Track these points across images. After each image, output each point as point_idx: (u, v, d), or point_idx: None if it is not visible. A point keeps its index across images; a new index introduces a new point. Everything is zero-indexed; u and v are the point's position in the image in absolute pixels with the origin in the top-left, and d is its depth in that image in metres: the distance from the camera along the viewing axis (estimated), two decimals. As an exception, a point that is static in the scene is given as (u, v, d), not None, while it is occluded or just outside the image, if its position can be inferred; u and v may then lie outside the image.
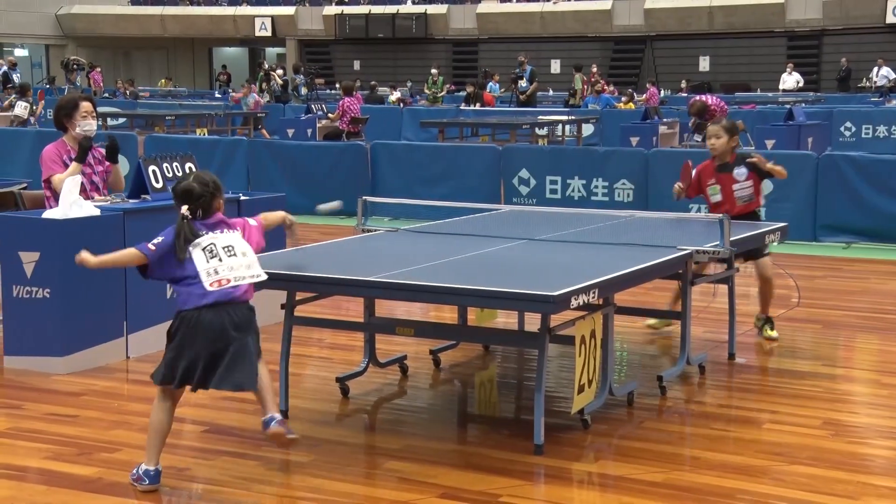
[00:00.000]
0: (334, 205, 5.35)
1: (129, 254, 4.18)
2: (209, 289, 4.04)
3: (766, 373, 5.86)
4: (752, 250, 6.24)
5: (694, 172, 6.44)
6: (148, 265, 4.11)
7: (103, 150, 6.40)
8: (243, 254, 4.16)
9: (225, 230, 4.17)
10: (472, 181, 11.45)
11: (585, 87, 22.83)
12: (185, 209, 4.11)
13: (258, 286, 4.22)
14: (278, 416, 4.15)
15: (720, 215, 5.46)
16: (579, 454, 4.51)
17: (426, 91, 25.59)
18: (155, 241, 4.11)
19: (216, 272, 4.08)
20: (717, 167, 6.38)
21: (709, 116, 15.54)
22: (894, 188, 9.85)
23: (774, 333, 6.39)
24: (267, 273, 4.74)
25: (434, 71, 25.74)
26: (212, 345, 4.02)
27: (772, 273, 6.36)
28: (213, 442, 4.64)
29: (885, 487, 4.16)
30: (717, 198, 6.36)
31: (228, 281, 4.08)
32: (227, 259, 4.11)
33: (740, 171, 6.32)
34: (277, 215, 4.61)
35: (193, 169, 6.46)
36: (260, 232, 4.31)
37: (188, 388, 4.12)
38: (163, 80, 35.99)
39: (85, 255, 4.17)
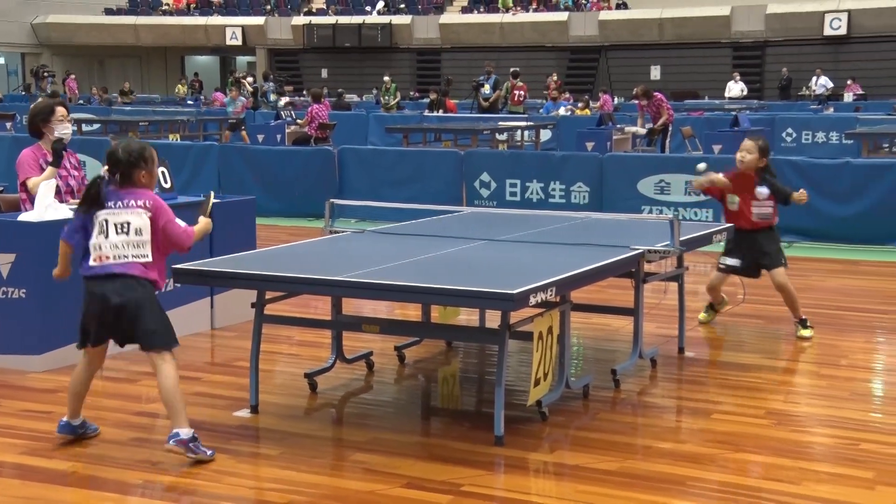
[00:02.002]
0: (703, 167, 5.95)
1: (61, 249, 4.32)
2: (92, 263, 4.13)
3: (714, 366, 5.90)
4: (766, 263, 6.36)
5: (731, 173, 6.41)
6: (72, 244, 4.24)
7: (79, 156, 6.31)
8: (137, 231, 4.13)
9: (131, 203, 4.12)
10: (436, 184, 11.44)
11: (517, 92, 22.58)
12: (103, 169, 4.17)
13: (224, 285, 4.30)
14: (183, 433, 4.14)
15: (671, 216, 5.49)
16: (537, 445, 4.51)
17: (382, 100, 25.51)
18: (71, 219, 4.29)
19: (100, 248, 4.12)
20: (743, 181, 6.36)
21: (654, 101, 15.86)
22: (833, 191, 9.98)
23: (807, 333, 6.35)
24: (237, 273, 4.71)
25: (386, 79, 25.69)
26: (101, 313, 4.14)
27: (786, 280, 6.34)
28: (186, 436, 4.59)
29: (824, 473, 4.20)
30: (734, 207, 6.37)
31: (108, 258, 4.11)
32: (115, 236, 4.11)
33: (762, 191, 6.31)
34: (204, 228, 4.47)
35: (165, 173, 6.40)
36: (172, 220, 4.21)
37: (116, 344, 4.30)
38: (179, 86, 35.04)
39: (55, 272, 4.38)
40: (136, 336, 4.20)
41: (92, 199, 4.13)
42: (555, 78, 25.54)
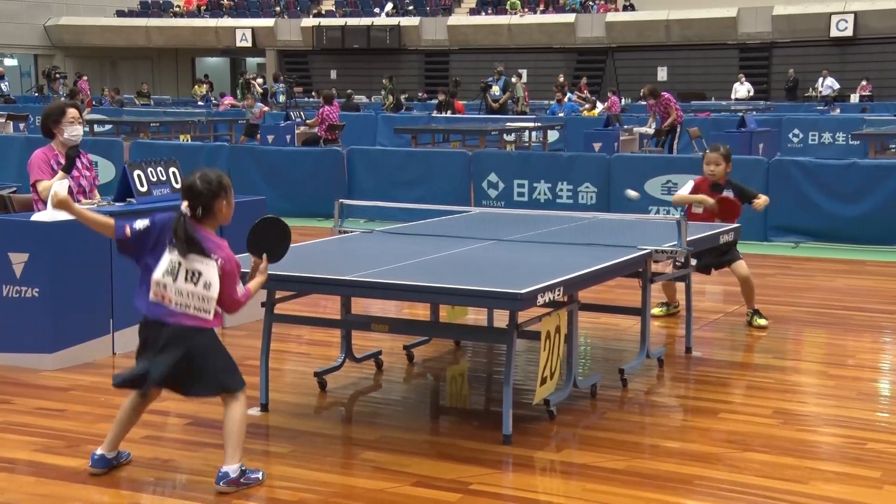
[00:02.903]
0: (636, 195, 6.45)
1: (104, 223, 3.94)
2: (151, 297, 3.86)
3: (721, 365, 5.89)
4: (725, 259, 6.55)
5: (694, 185, 6.72)
6: (120, 242, 3.91)
7: (90, 157, 6.33)
8: (206, 285, 3.82)
9: (204, 254, 3.82)
10: (444, 185, 11.44)
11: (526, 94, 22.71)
12: (184, 205, 3.86)
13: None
14: (231, 470, 3.91)
15: (678, 217, 5.49)
16: (545, 443, 4.51)
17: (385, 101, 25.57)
18: (138, 225, 3.89)
19: (165, 287, 3.83)
20: (710, 185, 6.63)
21: (662, 101, 15.87)
22: (839, 191, 9.95)
23: (763, 321, 6.56)
24: (247, 273, 4.71)
25: (385, 80, 25.74)
26: (153, 353, 3.88)
27: (748, 272, 6.56)
28: (197, 434, 4.60)
29: (831, 472, 4.19)
30: (699, 210, 6.59)
31: (170, 301, 3.83)
32: (183, 283, 3.81)
33: (728, 194, 6.58)
34: (258, 283, 4.16)
35: (176, 174, 6.41)
36: (234, 286, 3.91)
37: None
38: (196, 87, 34.46)
39: (63, 196, 3.94)
40: (190, 387, 3.94)
41: (188, 242, 3.78)
42: (560, 79, 25.56)
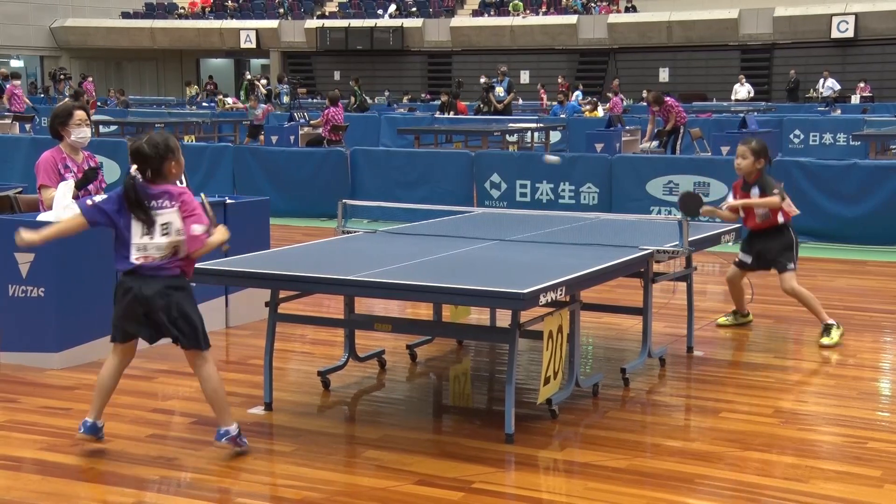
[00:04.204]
0: (556, 159, 5.70)
1: (70, 220, 4.21)
2: (134, 261, 4.07)
3: (722, 365, 5.89)
4: (774, 262, 6.30)
5: (730, 190, 6.54)
6: (88, 218, 4.13)
7: (97, 158, 6.34)
8: (178, 231, 4.08)
9: (165, 204, 4.07)
10: (447, 185, 11.45)
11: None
12: (133, 169, 4.06)
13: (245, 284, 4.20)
14: (232, 429, 4.19)
15: (680, 217, 5.49)
16: (548, 442, 4.51)
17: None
18: (97, 199, 4.13)
19: (145, 248, 4.06)
20: (742, 185, 6.39)
21: (666, 105, 15.88)
22: (840, 191, 9.94)
23: (824, 340, 6.17)
24: (251, 273, 4.72)
25: (351, 83, 25.80)
26: (140, 310, 4.10)
27: (793, 285, 6.24)
28: (201, 433, 4.60)
29: (831, 471, 4.19)
30: (742, 213, 6.40)
31: (154, 258, 4.08)
32: (160, 238, 4.06)
33: (755, 192, 6.31)
34: (220, 239, 4.25)
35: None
36: (200, 214, 4.11)
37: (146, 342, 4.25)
38: (188, 89, 34.60)
39: (24, 234, 4.13)
40: (176, 334, 4.13)
41: (133, 203, 4.04)
42: (561, 80, 25.60)
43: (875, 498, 3.92)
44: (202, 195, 4.40)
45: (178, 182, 4.28)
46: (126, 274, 4.15)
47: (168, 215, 4.08)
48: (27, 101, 22.79)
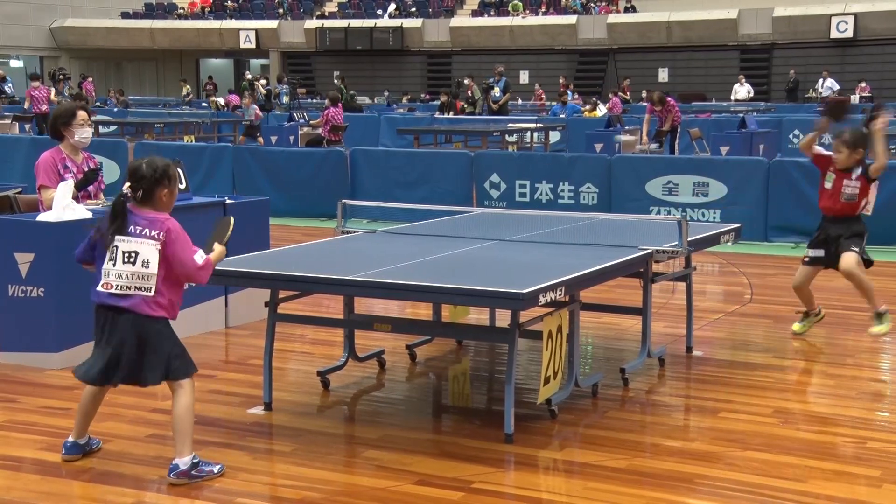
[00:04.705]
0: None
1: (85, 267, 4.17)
2: (99, 288, 4.00)
3: (721, 365, 5.89)
4: (840, 245, 6.10)
5: (825, 153, 6.34)
6: (88, 260, 4.10)
7: (97, 158, 6.33)
8: (144, 263, 3.92)
9: (144, 232, 3.92)
10: (446, 185, 11.45)
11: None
12: (126, 186, 3.98)
13: (238, 285, 4.13)
14: (182, 463, 3.98)
15: (679, 217, 5.49)
16: (547, 442, 4.51)
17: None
18: (86, 242, 4.08)
19: (108, 274, 3.97)
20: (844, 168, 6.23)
21: (667, 106, 15.89)
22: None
23: (874, 329, 6.13)
24: (251, 273, 4.72)
25: (336, 81, 25.78)
26: (106, 343, 4.00)
27: (851, 266, 6.05)
28: (201, 433, 4.59)
29: (830, 471, 4.19)
30: (829, 185, 6.23)
31: (111, 286, 3.95)
32: (122, 265, 3.94)
33: (856, 170, 6.18)
34: (218, 257, 4.21)
35: (181, 173, 6.40)
36: (184, 255, 3.97)
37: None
38: (184, 88, 34.27)
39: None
40: (142, 375, 4.00)
41: (118, 218, 3.94)
42: (562, 80, 25.60)
43: (874, 498, 3.92)
44: (231, 219, 4.30)
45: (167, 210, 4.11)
46: (96, 307, 4.03)
47: (138, 245, 3.93)
48: (55, 98, 21.85)
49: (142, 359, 4.00)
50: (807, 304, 6.50)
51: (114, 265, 3.96)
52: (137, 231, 3.96)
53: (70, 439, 4.24)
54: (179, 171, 6.43)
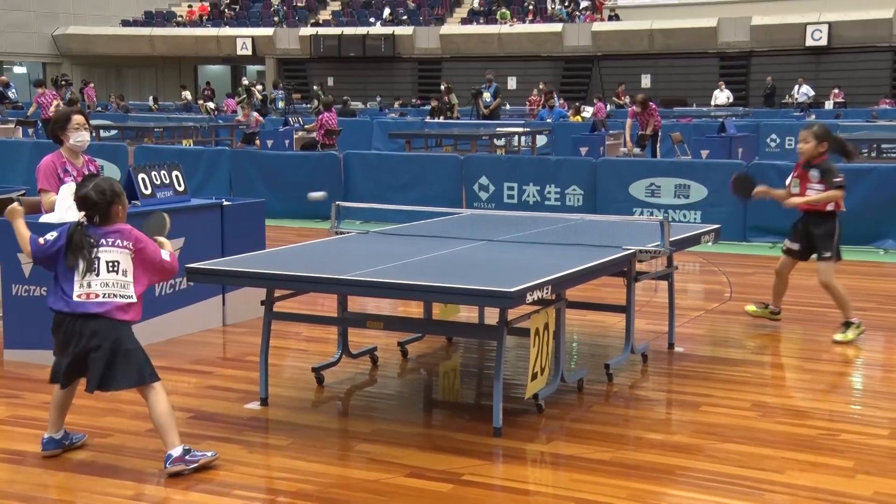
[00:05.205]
0: (320, 195, 5.84)
1: (24, 237, 4.14)
2: (76, 298, 3.93)
3: (702, 360, 5.90)
4: (815, 250, 6.20)
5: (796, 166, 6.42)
6: (34, 256, 4.07)
7: (98, 163, 6.31)
8: (124, 272, 3.98)
9: (118, 243, 3.97)
10: (437, 187, 11.44)
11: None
12: (80, 215, 4.00)
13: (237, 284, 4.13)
14: (175, 452, 3.99)
15: (662, 218, 5.50)
16: (534, 436, 4.51)
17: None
18: (48, 237, 4.03)
19: (89, 285, 3.94)
20: (803, 164, 6.28)
21: (649, 110, 15.93)
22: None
23: (838, 336, 6.16)
24: (248, 272, 4.71)
25: (315, 87, 25.67)
26: (77, 353, 3.96)
27: (827, 278, 6.18)
28: (199, 427, 4.59)
29: (806, 462, 4.20)
30: (796, 190, 6.30)
31: (97, 296, 3.94)
32: (106, 274, 3.95)
33: (814, 174, 6.21)
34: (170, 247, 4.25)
35: (179, 177, 6.38)
36: (155, 256, 4.05)
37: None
38: (186, 93, 34.12)
39: (15, 209, 4.19)
40: (112, 380, 3.97)
41: (77, 247, 3.93)
42: (541, 87, 25.64)
43: (847, 487, 3.93)
44: (165, 214, 4.35)
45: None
46: (63, 315, 3.97)
47: (118, 254, 3.98)
48: (58, 103, 21.46)
49: (113, 363, 3.97)
50: (774, 296, 6.57)
51: (97, 275, 3.96)
52: (110, 242, 3.99)
53: (46, 435, 4.20)
54: (178, 174, 6.44)
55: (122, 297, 3.98)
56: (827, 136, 6.23)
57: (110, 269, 3.97)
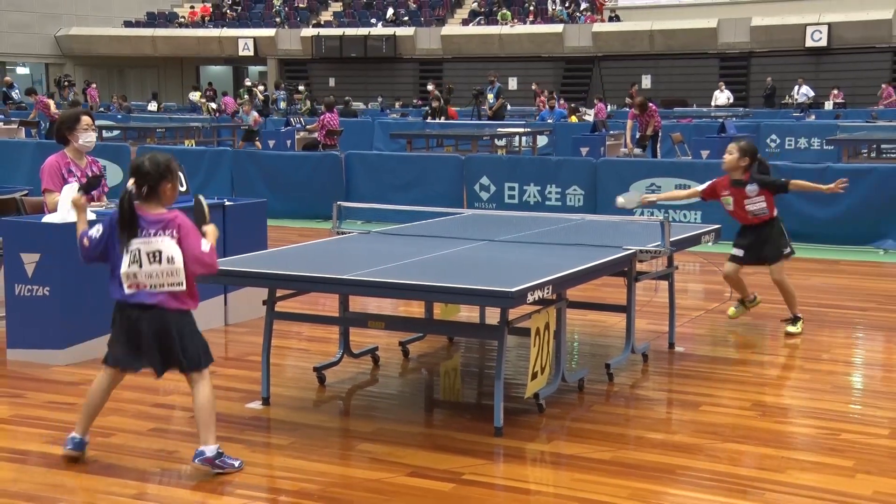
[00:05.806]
0: (633, 199, 6.26)
1: (78, 234, 4.09)
2: (127, 291, 3.93)
3: (702, 360, 5.90)
4: (766, 256, 6.41)
5: (709, 183, 6.58)
6: (83, 254, 4.04)
7: (101, 164, 6.32)
8: (169, 259, 3.88)
9: (159, 232, 3.88)
10: (438, 187, 11.44)
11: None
12: (130, 183, 3.90)
13: (237, 284, 4.10)
14: (209, 451, 3.97)
15: (662, 218, 5.50)
16: (535, 435, 4.51)
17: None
18: (92, 233, 3.98)
19: (135, 276, 3.90)
20: (731, 181, 6.43)
21: (649, 111, 15.92)
22: (815, 194, 9.94)
23: (790, 328, 6.39)
24: (249, 272, 4.71)
25: (301, 88, 25.68)
26: (136, 342, 3.96)
27: (781, 277, 6.41)
28: (201, 427, 4.58)
29: (806, 461, 4.20)
30: (730, 207, 6.48)
31: (144, 286, 3.90)
32: (149, 266, 3.88)
33: (752, 188, 6.36)
34: (214, 236, 4.12)
35: (181, 177, 6.37)
36: (193, 248, 3.92)
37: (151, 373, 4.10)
38: (197, 94, 33.62)
39: (78, 202, 4.24)
40: (172, 362, 3.99)
41: (128, 219, 3.87)
42: (534, 87, 25.61)
43: (847, 487, 3.93)
44: (200, 196, 4.23)
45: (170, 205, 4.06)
46: (121, 304, 3.98)
47: (159, 244, 3.89)
48: (55, 110, 21.32)
49: (175, 350, 3.96)
50: (740, 293, 6.68)
51: (140, 267, 3.89)
52: (152, 233, 3.91)
53: (77, 435, 4.13)
54: (180, 174, 6.43)
55: (171, 285, 3.90)
56: (751, 152, 6.42)
57: (152, 260, 3.88)
